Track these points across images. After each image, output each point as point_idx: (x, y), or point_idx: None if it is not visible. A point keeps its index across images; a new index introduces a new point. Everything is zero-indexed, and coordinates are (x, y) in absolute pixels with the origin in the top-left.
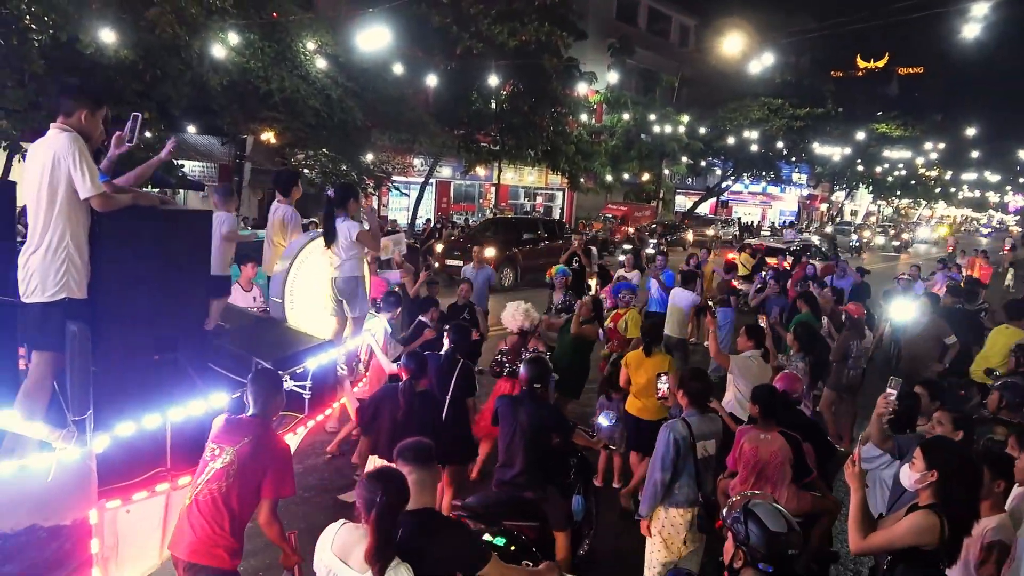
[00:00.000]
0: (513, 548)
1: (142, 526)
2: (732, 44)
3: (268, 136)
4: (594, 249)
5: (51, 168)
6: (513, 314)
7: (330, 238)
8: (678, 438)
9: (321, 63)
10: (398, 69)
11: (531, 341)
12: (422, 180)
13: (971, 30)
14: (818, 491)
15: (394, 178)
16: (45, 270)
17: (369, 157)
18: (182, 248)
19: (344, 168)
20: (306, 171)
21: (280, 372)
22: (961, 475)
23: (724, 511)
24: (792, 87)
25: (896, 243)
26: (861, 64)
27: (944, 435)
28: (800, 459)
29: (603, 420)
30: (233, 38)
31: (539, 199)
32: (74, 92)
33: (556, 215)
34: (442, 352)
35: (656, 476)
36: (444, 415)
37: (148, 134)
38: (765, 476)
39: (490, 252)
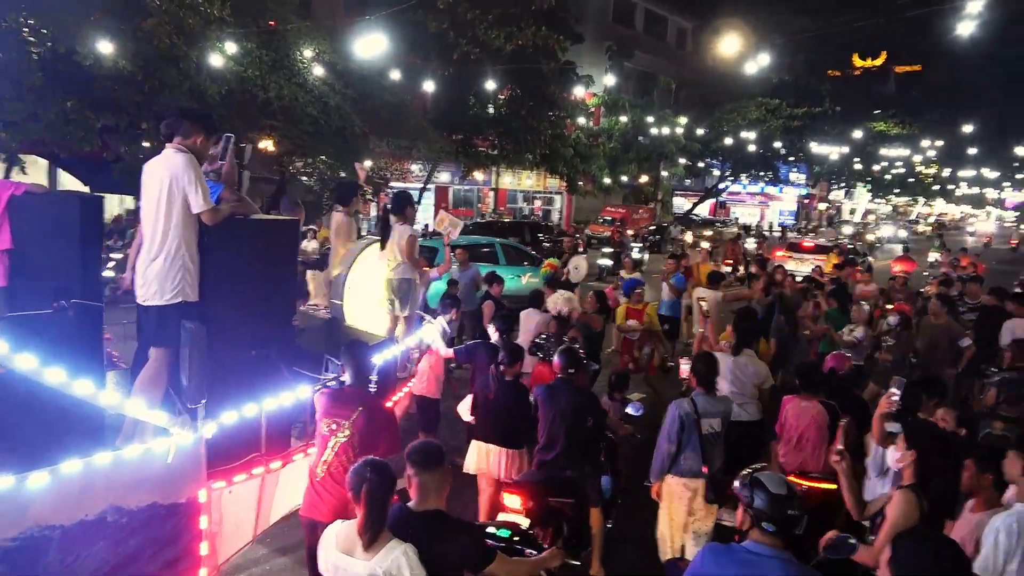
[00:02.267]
0: (516, 539)
1: (241, 505)
2: (729, 45)
3: (266, 144)
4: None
5: (168, 185)
6: (556, 300)
7: (385, 242)
8: (682, 414)
9: (319, 70)
10: (395, 75)
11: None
12: (420, 185)
13: (966, 27)
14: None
15: (392, 184)
16: (164, 276)
17: (368, 163)
18: (274, 253)
19: (343, 175)
20: (304, 178)
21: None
22: (939, 456)
23: (736, 481)
24: (789, 87)
25: (856, 244)
26: (858, 63)
27: (948, 430)
28: (836, 425)
29: (631, 411)
30: (231, 47)
31: (538, 203)
32: (195, 118)
33: (555, 218)
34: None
35: (663, 447)
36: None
37: (146, 144)
38: (806, 438)
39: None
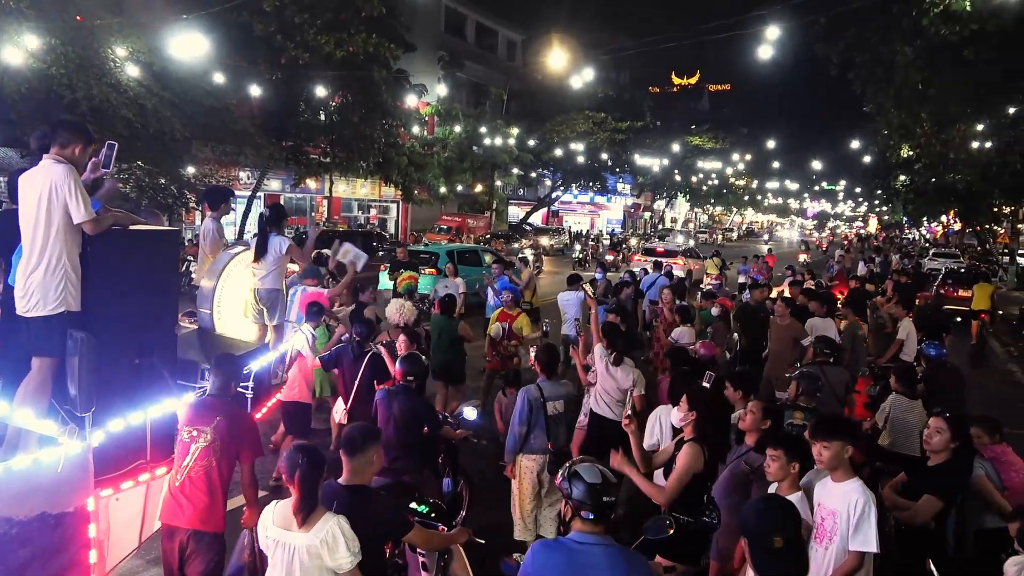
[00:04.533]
0: (432, 515)
1: (127, 512)
2: (556, 59)
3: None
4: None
5: (48, 195)
6: (397, 310)
7: (260, 253)
8: (531, 399)
9: (133, 71)
10: (219, 78)
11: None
12: (249, 194)
13: (766, 51)
14: None
15: (230, 188)
16: (46, 287)
17: (191, 170)
18: (155, 263)
19: (163, 182)
20: (120, 185)
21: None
22: (712, 416)
23: (559, 475)
24: (614, 102)
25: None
26: (676, 81)
27: (753, 421)
28: None
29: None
30: (32, 42)
31: (373, 211)
32: (72, 128)
33: (391, 227)
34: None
35: (515, 429)
36: (352, 400)
37: None
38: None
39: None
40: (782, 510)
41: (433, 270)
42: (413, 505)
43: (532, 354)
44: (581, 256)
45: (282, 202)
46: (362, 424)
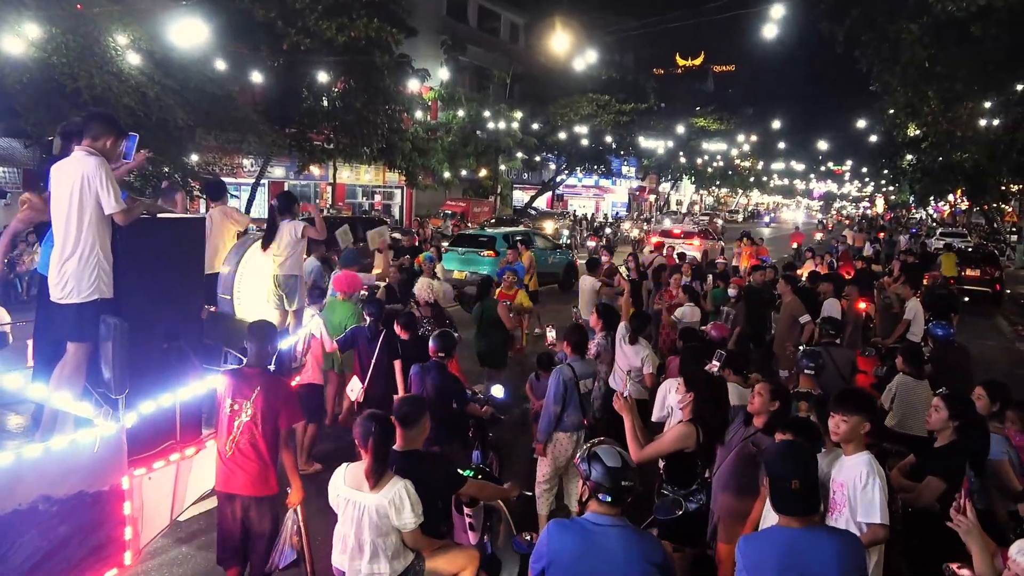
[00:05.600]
0: (479, 477)
1: (159, 491)
2: (559, 42)
3: None
4: None
5: (80, 186)
6: (427, 288)
7: (268, 242)
8: (565, 379)
9: (135, 59)
10: (221, 65)
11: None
12: (253, 181)
13: (771, 31)
14: None
15: (222, 179)
16: (79, 275)
17: (194, 158)
18: (182, 250)
19: (166, 170)
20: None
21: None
22: (711, 397)
23: (577, 456)
24: (618, 84)
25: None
26: (680, 62)
27: (762, 403)
28: None
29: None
30: (32, 31)
31: (378, 197)
32: (104, 121)
33: (396, 213)
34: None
35: (550, 409)
36: (369, 376)
37: None
38: None
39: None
40: (801, 455)
41: (491, 252)
42: (458, 471)
43: (551, 333)
44: (569, 242)
45: (286, 189)
46: (412, 397)
